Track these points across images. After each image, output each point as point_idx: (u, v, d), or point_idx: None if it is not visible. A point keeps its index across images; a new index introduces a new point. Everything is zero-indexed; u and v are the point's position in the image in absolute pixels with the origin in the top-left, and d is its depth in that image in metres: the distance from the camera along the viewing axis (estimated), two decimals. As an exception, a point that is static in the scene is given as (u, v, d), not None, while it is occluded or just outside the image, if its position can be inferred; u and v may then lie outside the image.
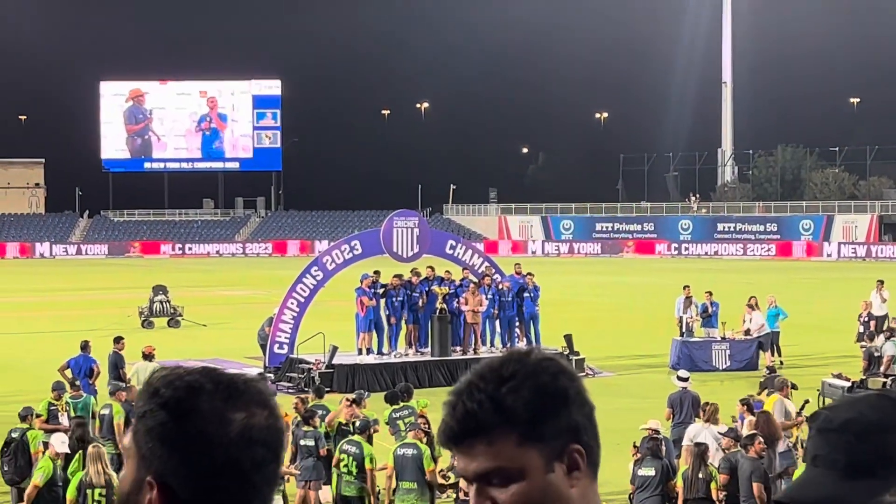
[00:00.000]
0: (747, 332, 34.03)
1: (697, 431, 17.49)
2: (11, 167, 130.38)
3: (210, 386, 2.34)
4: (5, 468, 17.96)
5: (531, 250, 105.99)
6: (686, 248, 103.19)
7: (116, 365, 25.60)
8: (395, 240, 32.59)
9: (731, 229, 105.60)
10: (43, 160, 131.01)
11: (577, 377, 2.41)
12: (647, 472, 15.81)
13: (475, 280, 32.55)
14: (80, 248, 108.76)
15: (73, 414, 19.78)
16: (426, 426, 17.25)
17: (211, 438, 2.30)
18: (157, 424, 2.31)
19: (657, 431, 16.95)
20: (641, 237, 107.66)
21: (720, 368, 33.47)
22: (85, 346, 25.64)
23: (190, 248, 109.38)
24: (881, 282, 38.67)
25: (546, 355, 2.40)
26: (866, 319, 33.76)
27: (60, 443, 16.22)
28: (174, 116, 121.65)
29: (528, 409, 2.31)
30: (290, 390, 28.12)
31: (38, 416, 19.20)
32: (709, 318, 34.93)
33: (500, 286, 32.72)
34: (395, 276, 31.69)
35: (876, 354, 27.04)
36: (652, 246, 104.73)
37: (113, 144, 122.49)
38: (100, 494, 14.97)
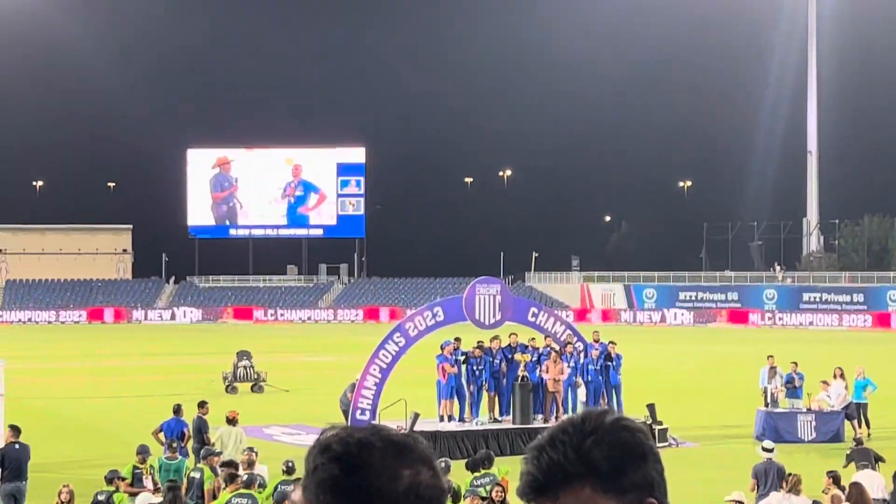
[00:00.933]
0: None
1: (778, 501, 17.29)
2: (100, 233, 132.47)
3: (380, 443, 2.42)
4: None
5: (623, 319, 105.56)
6: (780, 319, 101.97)
7: (200, 429, 25.79)
8: (478, 307, 32.62)
9: (818, 299, 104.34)
10: (131, 226, 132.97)
11: (651, 436, 2.53)
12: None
13: (556, 348, 32.45)
14: (174, 312, 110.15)
15: (166, 476, 19.99)
16: (501, 494, 17.23)
17: (381, 492, 2.37)
18: (329, 477, 2.39)
19: (741, 503, 16.75)
20: (726, 307, 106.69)
21: (805, 440, 33.02)
22: (178, 410, 25.83)
23: (281, 314, 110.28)
24: None
25: (623, 415, 2.52)
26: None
27: (148, 500, 16.47)
28: (259, 184, 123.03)
29: (609, 461, 2.42)
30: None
31: (122, 478, 19.42)
32: (794, 388, 34.53)
33: (591, 354, 32.58)
34: (478, 343, 31.69)
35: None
36: (745, 315, 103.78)
37: (199, 211, 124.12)
38: None
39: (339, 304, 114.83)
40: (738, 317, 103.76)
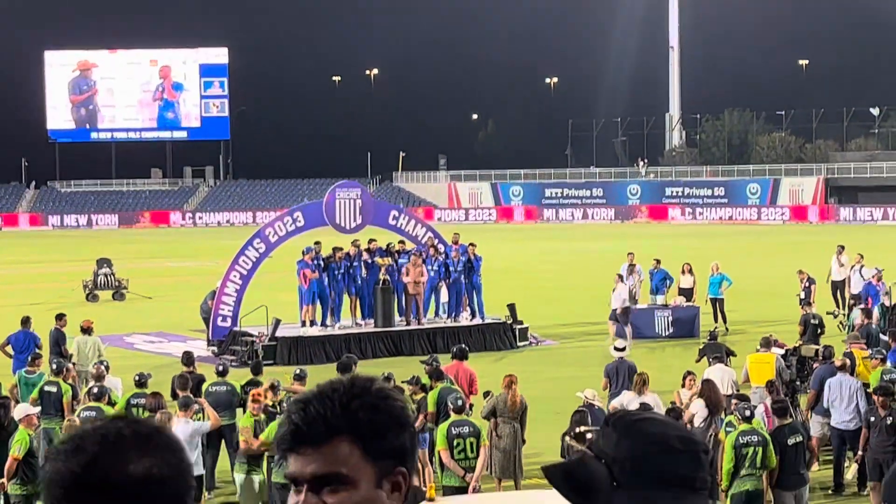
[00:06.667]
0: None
1: (629, 401, 17.67)
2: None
3: (115, 434, 2.40)
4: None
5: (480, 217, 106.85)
6: (641, 214, 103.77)
7: (58, 342, 25.46)
8: (338, 211, 32.54)
9: (679, 194, 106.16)
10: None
11: (409, 411, 2.66)
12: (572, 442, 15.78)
13: (417, 251, 32.52)
14: (31, 218, 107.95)
15: (27, 391, 19.67)
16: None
17: (116, 483, 2.36)
18: (62, 471, 2.38)
19: (591, 404, 17.08)
20: (590, 203, 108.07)
21: (663, 335, 33.72)
22: (26, 321, 25.45)
23: (144, 218, 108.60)
24: (841, 247, 38.95)
25: (388, 386, 2.63)
26: (807, 285, 34.03)
27: (28, 412, 16.28)
28: (123, 86, 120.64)
29: (371, 424, 2.51)
30: (233, 364, 28.08)
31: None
32: (659, 287, 35.11)
33: (451, 255, 32.72)
34: (335, 248, 31.64)
35: (813, 322, 27.29)
36: (610, 212, 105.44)
37: (59, 115, 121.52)
38: None
39: (205, 208, 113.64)
40: (602, 214, 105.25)
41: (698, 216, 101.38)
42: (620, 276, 34.03)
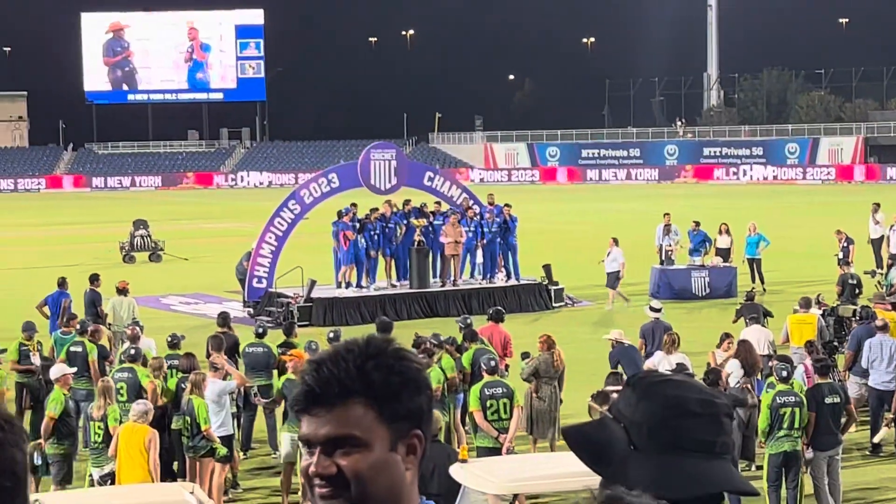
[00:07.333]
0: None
1: (658, 361, 17.60)
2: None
3: None
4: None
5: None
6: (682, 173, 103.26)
7: (94, 303, 25.57)
8: (373, 172, 32.47)
9: (717, 154, 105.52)
10: (26, 93, 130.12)
11: (425, 372, 2.60)
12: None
13: (453, 212, 32.42)
14: (74, 180, 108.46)
15: (62, 351, 19.77)
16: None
17: None
18: None
19: (619, 341, 17.16)
20: (628, 163, 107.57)
21: (700, 296, 33.53)
22: (62, 283, 25.54)
23: (182, 180, 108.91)
24: (877, 204, 38.58)
25: (404, 347, 2.57)
26: (845, 245, 33.72)
27: (63, 371, 16.44)
28: (157, 48, 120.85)
29: (387, 385, 2.47)
30: (269, 325, 28.10)
31: (6, 355, 19.33)
32: (698, 248, 34.88)
33: (486, 216, 32.61)
34: (372, 209, 31.60)
35: (851, 282, 27.04)
36: (647, 172, 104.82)
37: (96, 77, 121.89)
38: (99, 428, 15.18)
39: (242, 168, 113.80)
40: (646, 174, 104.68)
41: (742, 176, 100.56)
42: (615, 240, 33.61)
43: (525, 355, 18.52)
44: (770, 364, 16.77)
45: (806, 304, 21.66)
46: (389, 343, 2.53)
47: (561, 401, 17.64)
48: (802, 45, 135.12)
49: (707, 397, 2.58)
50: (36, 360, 19.75)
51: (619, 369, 18.20)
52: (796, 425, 14.88)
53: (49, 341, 21.60)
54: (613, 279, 32.68)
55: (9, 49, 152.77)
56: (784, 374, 15.20)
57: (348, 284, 31.30)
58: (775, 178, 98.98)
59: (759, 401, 15.73)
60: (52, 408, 15.78)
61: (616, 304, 32.35)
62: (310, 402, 2.46)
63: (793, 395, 15.03)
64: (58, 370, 16.69)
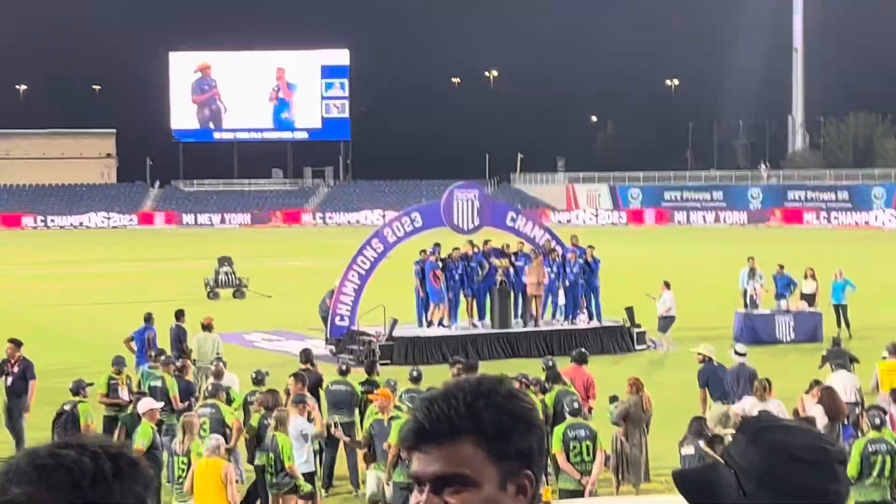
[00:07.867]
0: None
1: (751, 407, 17.35)
2: (84, 138, 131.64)
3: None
4: (55, 439, 18.13)
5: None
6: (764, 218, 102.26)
7: (179, 338, 25.82)
8: (456, 212, 32.54)
9: (801, 197, 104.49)
10: (114, 131, 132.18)
11: (537, 413, 2.57)
12: (688, 451, 15.47)
13: (536, 252, 32.39)
14: (166, 216, 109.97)
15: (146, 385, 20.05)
16: None
17: None
18: None
19: (709, 358, 17.05)
20: (711, 206, 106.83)
21: (784, 341, 33.16)
22: (149, 318, 25.84)
23: (265, 218, 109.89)
24: None
25: (516, 387, 2.55)
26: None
27: (151, 406, 16.64)
28: (243, 87, 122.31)
29: (497, 424, 2.44)
30: (351, 362, 28.20)
31: (89, 384, 19.56)
32: (783, 292, 34.54)
33: (568, 257, 32.54)
34: (454, 248, 31.67)
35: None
36: (729, 215, 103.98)
37: (183, 115, 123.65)
38: (182, 463, 15.30)
39: (325, 208, 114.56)
40: (733, 217, 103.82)
41: (833, 221, 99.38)
42: (666, 284, 33.38)
43: (613, 398, 18.42)
44: (856, 411, 16.52)
45: (894, 349, 21.34)
46: (501, 382, 2.51)
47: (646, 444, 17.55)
48: (889, 89, 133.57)
49: (819, 443, 2.54)
50: (124, 393, 20.00)
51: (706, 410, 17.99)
52: (886, 474, 14.64)
53: (136, 376, 21.86)
54: (667, 323, 32.50)
55: (98, 87, 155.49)
56: (877, 421, 14.99)
57: (430, 323, 31.33)
58: (866, 223, 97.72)
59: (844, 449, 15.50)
60: (140, 442, 15.96)
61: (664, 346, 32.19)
62: (420, 439, 2.45)
63: (884, 443, 14.80)
64: (146, 404, 16.91)
